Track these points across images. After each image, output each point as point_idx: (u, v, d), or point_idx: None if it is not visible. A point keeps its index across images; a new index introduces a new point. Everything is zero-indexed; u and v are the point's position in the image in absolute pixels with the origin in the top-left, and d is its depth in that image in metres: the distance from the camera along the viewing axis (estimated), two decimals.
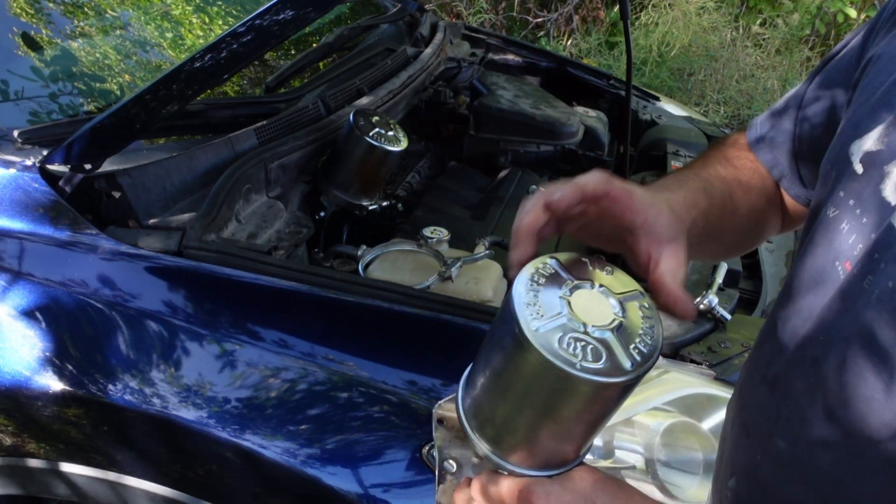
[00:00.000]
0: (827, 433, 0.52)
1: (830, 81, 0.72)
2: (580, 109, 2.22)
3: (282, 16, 1.24)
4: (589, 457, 0.63)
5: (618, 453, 1.01)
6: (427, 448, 0.99)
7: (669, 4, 4.89)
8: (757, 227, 0.81)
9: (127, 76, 1.55)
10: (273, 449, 1.00)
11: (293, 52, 1.85)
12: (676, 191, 0.69)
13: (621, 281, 0.58)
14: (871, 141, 0.55)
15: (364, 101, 1.63)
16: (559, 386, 0.52)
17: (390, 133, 1.50)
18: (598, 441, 1.02)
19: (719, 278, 1.29)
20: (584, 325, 0.53)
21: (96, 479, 1.13)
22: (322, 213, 1.54)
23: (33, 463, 1.17)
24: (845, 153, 0.57)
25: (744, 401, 0.65)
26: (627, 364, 0.51)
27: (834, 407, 0.51)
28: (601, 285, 0.57)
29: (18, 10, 1.53)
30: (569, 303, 0.54)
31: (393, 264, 1.35)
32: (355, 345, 1.08)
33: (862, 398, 0.49)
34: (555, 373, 0.50)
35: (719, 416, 1.03)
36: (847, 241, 0.54)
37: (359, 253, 1.38)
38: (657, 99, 2.45)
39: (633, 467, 1.00)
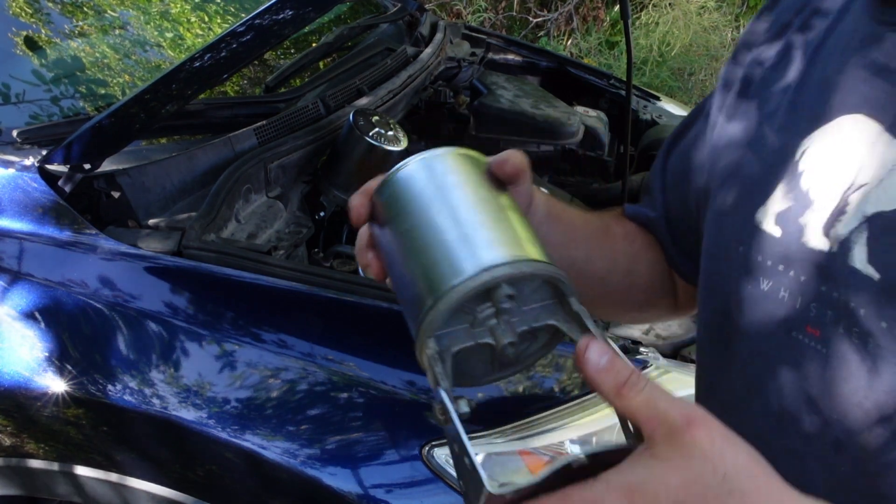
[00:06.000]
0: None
1: (684, 164, 0.72)
2: (580, 109, 2.22)
3: (281, 15, 1.24)
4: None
5: None
6: (427, 448, 0.98)
7: (670, 4, 4.88)
8: (631, 280, 0.76)
9: (126, 76, 1.55)
10: (273, 449, 1.00)
11: (293, 51, 1.85)
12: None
13: None
14: (777, 202, 0.54)
15: (364, 100, 1.62)
16: None
17: (390, 133, 1.50)
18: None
19: None
20: None
21: (96, 479, 1.13)
22: (322, 213, 1.54)
23: (33, 463, 1.17)
24: (751, 225, 0.56)
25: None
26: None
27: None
28: None
29: (18, 10, 1.53)
30: None
31: None
32: (355, 345, 1.08)
33: None
34: None
35: None
36: (794, 307, 0.52)
37: None
38: (657, 99, 2.45)
39: None
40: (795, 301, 0.52)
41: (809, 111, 0.56)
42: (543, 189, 0.66)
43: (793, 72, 0.60)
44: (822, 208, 0.51)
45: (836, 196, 0.51)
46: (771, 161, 0.57)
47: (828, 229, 0.50)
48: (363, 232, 0.55)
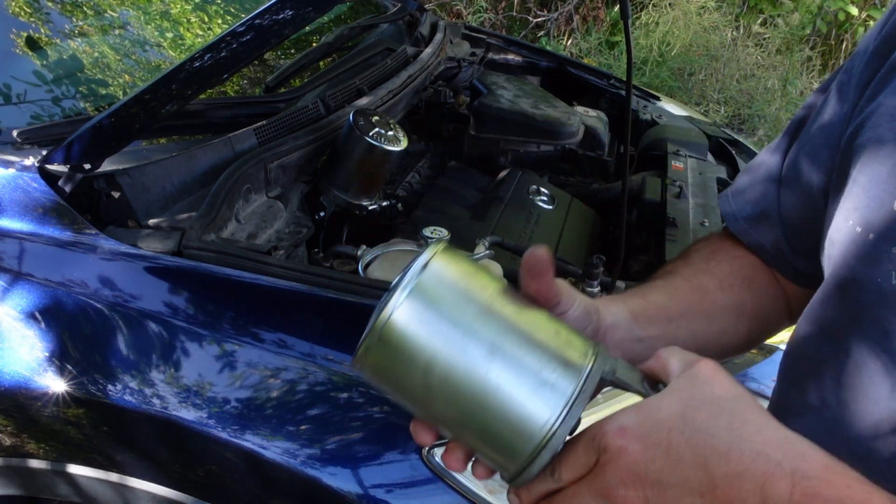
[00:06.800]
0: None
1: (813, 149, 0.65)
2: (580, 109, 2.21)
3: (281, 15, 1.24)
4: None
5: None
6: (427, 448, 0.98)
7: (670, 4, 4.88)
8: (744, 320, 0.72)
9: (126, 76, 1.55)
10: (273, 449, 1.00)
11: (293, 51, 1.85)
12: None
13: None
14: None
15: (364, 100, 1.62)
16: None
17: (390, 133, 1.50)
18: None
19: None
20: None
21: (96, 479, 1.13)
22: (322, 213, 1.54)
23: (33, 463, 1.17)
24: (887, 211, 0.50)
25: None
26: None
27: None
28: None
29: (17, 10, 1.53)
30: None
31: (393, 264, 1.35)
32: (355, 345, 1.08)
33: None
34: None
35: None
36: None
37: (359, 253, 1.38)
38: (657, 99, 2.45)
39: None
40: None
41: None
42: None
43: None
44: None
45: None
46: None
47: None
48: None
